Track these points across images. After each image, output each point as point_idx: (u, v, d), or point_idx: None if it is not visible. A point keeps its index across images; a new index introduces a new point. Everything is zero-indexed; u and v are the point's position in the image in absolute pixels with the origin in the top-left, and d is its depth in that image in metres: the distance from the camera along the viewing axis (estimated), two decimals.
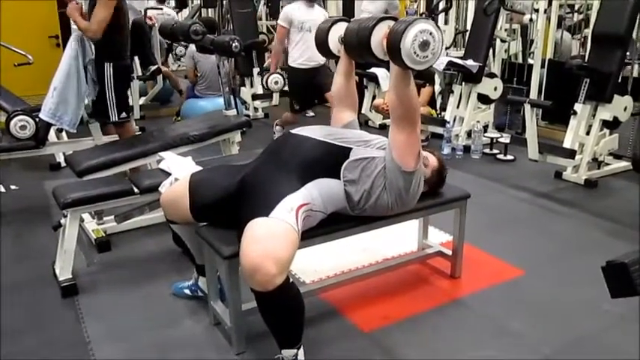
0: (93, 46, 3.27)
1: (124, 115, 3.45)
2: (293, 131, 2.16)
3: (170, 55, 7.12)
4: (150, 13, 6.31)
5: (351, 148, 2.04)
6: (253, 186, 1.98)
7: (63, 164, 4.23)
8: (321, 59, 4.66)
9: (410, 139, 1.97)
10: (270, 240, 1.74)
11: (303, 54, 4.67)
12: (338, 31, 2.31)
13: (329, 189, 1.98)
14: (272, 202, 1.84)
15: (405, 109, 1.95)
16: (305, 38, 4.62)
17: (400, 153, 1.97)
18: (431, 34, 1.78)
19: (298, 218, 1.84)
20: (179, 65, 7.47)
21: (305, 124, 2.23)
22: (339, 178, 2.00)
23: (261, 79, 5.26)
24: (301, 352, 1.91)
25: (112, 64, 3.31)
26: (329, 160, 2.01)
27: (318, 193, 1.95)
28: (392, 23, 1.86)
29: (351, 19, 2.31)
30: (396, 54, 1.78)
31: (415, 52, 1.77)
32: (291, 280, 1.79)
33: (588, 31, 4.92)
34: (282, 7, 7.42)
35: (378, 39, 1.92)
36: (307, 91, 4.76)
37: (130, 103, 5.17)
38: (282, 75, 5.04)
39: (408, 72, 1.87)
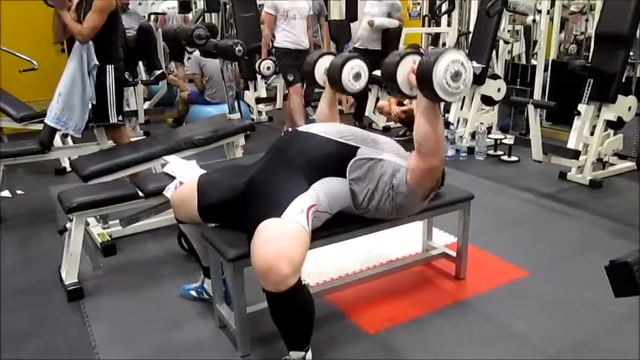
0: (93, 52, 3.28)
1: (120, 117, 3.49)
2: (300, 129, 2.17)
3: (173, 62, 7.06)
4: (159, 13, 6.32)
5: (358, 147, 2.03)
6: (261, 186, 1.98)
7: (68, 169, 4.25)
8: (304, 44, 5.04)
9: (430, 172, 1.98)
10: (283, 240, 1.74)
11: (288, 38, 4.99)
12: (324, 63, 2.44)
13: (335, 188, 1.98)
14: (283, 203, 1.84)
15: (432, 144, 1.90)
16: (291, 25, 4.97)
17: (416, 182, 1.99)
18: (462, 64, 1.75)
19: (309, 219, 1.85)
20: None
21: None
22: (344, 177, 1.99)
23: (254, 65, 5.36)
24: (309, 354, 1.90)
25: (113, 65, 3.36)
26: (336, 158, 2.01)
27: (324, 193, 1.95)
28: (417, 58, 1.85)
29: (337, 54, 2.47)
30: (428, 85, 1.74)
31: (447, 83, 1.73)
32: (303, 282, 1.79)
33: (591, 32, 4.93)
34: None
35: (404, 74, 1.90)
36: (295, 65, 4.98)
37: (135, 108, 5.22)
38: (273, 60, 5.16)
39: (436, 105, 1.84)
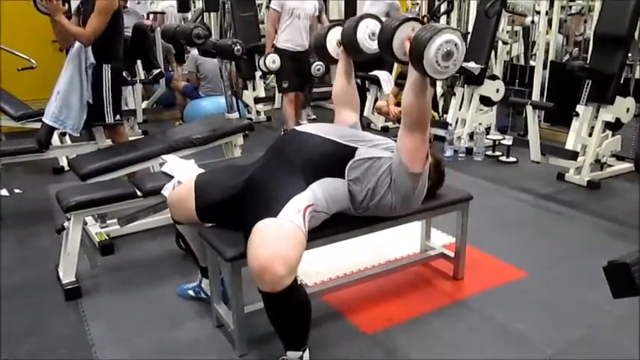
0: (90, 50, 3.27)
1: (118, 117, 3.46)
2: (298, 128, 2.16)
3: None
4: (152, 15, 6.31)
5: (356, 148, 2.02)
6: (259, 185, 1.98)
7: (66, 168, 4.25)
8: (304, 45, 5.05)
9: (420, 144, 1.95)
10: (278, 241, 1.74)
11: (290, 38, 5.01)
12: (335, 35, 2.37)
13: (333, 189, 1.98)
14: (279, 203, 1.84)
15: (418, 115, 1.90)
16: (294, 24, 4.99)
17: (409, 156, 1.95)
18: (456, 45, 1.74)
19: (305, 219, 1.84)
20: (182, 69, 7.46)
21: None
22: (343, 177, 1.99)
23: (258, 61, 5.36)
24: (306, 354, 1.91)
25: (110, 66, 3.34)
26: (334, 159, 2.00)
27: (322, 193, 1.95)
28: (417, 25, 1.82)
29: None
30: (418, 60, 1.74)
31: (437, 62, 1.72)
32: (299, 282, 1.79)
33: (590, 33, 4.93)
34: None
35: (400, 40, 1.86)
36: (293, 70, 5.06)
37: (133, 107, 5.21)
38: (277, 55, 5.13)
39: (426, 78, 1.82)
